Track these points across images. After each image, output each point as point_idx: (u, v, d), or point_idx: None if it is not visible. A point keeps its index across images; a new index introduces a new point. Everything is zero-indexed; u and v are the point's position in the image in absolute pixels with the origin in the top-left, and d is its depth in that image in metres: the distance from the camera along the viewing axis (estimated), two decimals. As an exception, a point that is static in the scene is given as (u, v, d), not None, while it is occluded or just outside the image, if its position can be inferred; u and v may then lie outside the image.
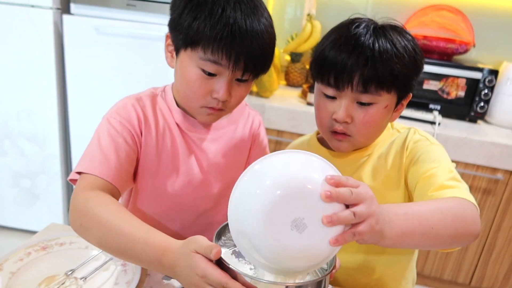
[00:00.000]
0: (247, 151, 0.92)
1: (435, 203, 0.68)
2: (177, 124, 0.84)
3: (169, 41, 0.78)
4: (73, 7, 1.77)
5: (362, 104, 0.79)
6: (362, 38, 0.76)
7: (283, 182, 0.50)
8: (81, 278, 0.77)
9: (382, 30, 0.78)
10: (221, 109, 0.78)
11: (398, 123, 0.95)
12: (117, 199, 0.73)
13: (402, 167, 0.85)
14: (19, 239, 2.02)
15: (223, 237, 0.65)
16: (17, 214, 2.06)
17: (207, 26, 0.69)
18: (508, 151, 1.73)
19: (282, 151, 0.57)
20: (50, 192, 2.01)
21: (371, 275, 0.95)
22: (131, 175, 0.80)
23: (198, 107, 0.78)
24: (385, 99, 0.79)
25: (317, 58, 0.82)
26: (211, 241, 0.58)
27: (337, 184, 0.51)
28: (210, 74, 0.73)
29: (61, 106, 1.91)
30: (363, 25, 0.78)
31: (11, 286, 0.74)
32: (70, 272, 0.78)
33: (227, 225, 0.64)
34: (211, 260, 0.53)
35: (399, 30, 0.80)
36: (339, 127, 0.81)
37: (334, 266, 0.60)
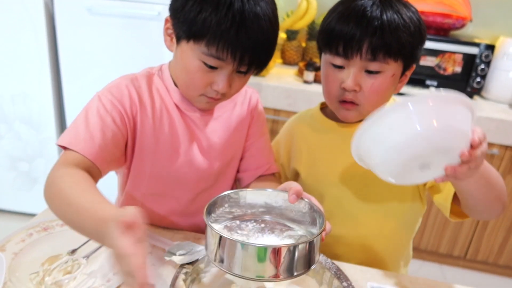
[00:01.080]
0: (246, 129, 0.92)
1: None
2: (175, 104, 0.83)
3: (169, 25, 0.76)
4: (63, -13, 1.74)
5: (370, 72, 0.81)
6: (369, 9, 0.78)
7: (431, 137, 0.56)
8: (83, 257, 0.78)
9: (388, 2, 0.80)
10: (220, 98, 0.78)
11: (399, 97, 0.96)
12: (97, 179, 0.72)
13: None
14: (18, 222, 2.03)
15: (213, 214, 0.66)
16: (16, 198, 2.07)
17: (213, 21, 0.67)
18: (503, 126, 1.74)
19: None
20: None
21: (369, 252, 0.97)
22: (115, 157, 0.79)
23: (197, 95, 0.78)
24: (392, 67, 0.81)
25: (325, 29, 0.83)
26: (203, 217, 0.59)
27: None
28: (212, 67, 0.72)
29: (55, 88, 1.89)
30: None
31: (14, 267, 0.75)
32: (73, 251, 0.79)
33: (216, 201, 0.66)
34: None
35: (403, 3, 0.82)
36: (348, 96, 0.83)
37: (324, 229, 0.61)
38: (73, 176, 0.66)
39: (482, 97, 2.03)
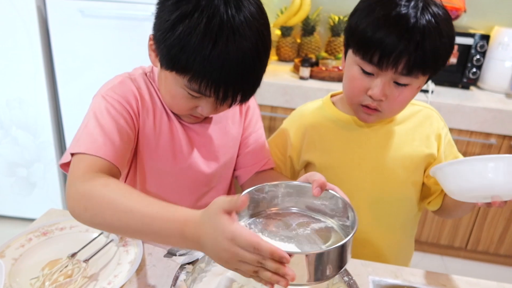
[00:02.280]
0: (242, 126, 0.91)
1: None
2: None
3: (152, 42, 0.72)
4: (55, -10, 1.73)
5: (398, 84, 0.79)
6: (412, 20, 0.74)
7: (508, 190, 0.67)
8: (83, 261, 0.78)
9: (427, 6, 0.76)
10: (207, 118, 0.80)
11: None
12: None
13: (432, 152, 0.92)
14: (18, 227, 2.03)
15: (241, 213, 0.65)
16: (15, 203, 2.06)
17: (196, 60, 0.63)
18: (500, 115, 1.74)
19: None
20: (47, 179, 2.01)
21: (368, 247, 0.98)
22: (129, 158, 0.78)
23: (183, 114, 0.79)
24: (420, 80, 0.81)
25: (360, 33, 0.78)
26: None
27: None
28: (197, 97, 0.71)
29: (51, 92, 1.89)
30: (412, 3, 0.75)
31: (14, 272, 0.75)
32: (73, 255, 0.79)
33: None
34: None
35: (438, 6, 0.78)
36: (372, 103, 0.82)
37: (357, 226, 0.59)
38: (114, 183, 0.63)
39: (478, 87, 2.03)
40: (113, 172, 0.69)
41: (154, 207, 0.57)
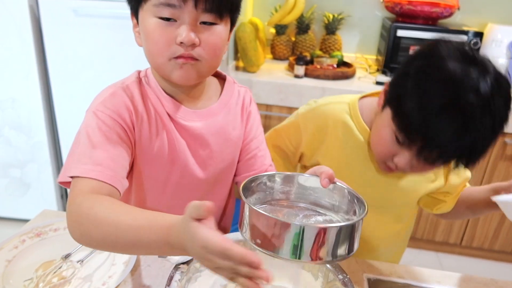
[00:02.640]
0: (243, 131, 0.89)
1: None
2: (168, 114, 0.78)
3: (133, 20, 0.75)
4: (48, -11, 1.72)
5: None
6: (479, 115, 0.66)
7: None
8: (78, 262, 0.77)
9: (500, 92, 0.69)
10: (193, 58, 0.70)
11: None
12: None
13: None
14: (12, 228, 2.02)
15: (249, 198, 0.64)
16: (9, 204, 2.05)
17: None
18: (494, 112, 1.75)
19: None
20: (41, 180, 2.00)
21: (367, 244, 0.98)
22: (127, 172, 0.75)
23: (167, 60, 0.70)
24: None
25: (406, 118, 0.71)
26: (240, 198, 0.57)
27: None
28: (168, 20, 0.67)
29: (44, 92, 1.87)
30: (482, 86, 0.67)
31: (7, 274, 0.74)
32: (67, 256, 0.79)
33: (247, 185, 0.64)
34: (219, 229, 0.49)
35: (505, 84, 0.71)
36: (395, 168, 0.81)
37: (367, 212, 0.59)
38: (101, 202, 0.62)
39: (472, 84, 2.03)
40: (110, 192, 0.67)
41: (140, 219, 0.56)
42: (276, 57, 2.21)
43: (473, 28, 1.94)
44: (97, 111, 0.72)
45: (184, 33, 0.67)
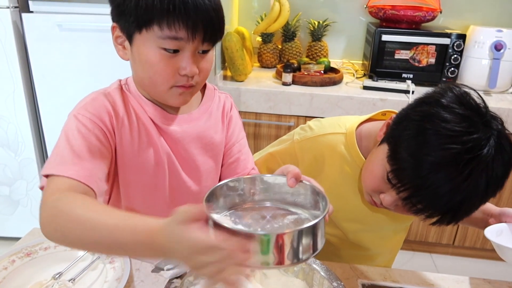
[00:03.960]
0: (224, 135, 0.91)
1: None
2: (151, 119, 0.80)
3: (117, 32, 0.74)
4: (31, 4, 1.70)
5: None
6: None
7: None
8: (69, 280, 0.76)
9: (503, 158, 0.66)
10: (191, 86, 0.75)
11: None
12: None
13: None
14: (2, 247, 1.98)
15: (213, 205, 0.64)
16: (-2, 223, 2.02)
17: (156, 0, 0.66)
18: (480, 112, 1.77)
19: None
20: (30, 197, 1.97)
21: (361, 250, 0.98)
22: (105, 175, 0.76)
23: (168, 88, 0.74)
24: None
25: (411, 178, 0.69)
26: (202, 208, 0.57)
27: None
28: (174, 51, 0.70)
29: (31, 108, 1.86)
30: (484, 148, 0.64)
31: (-2, 296, 0.73)
32: (58, 275, 0.77)
33: (213, 192, 0.63)
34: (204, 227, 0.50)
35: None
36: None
37: (328, 211, 0.59)
38: (78, 199, 0.62)
39: (457, 86, 2.06)
40: (85, 192, 0.67)
41: (117, 219, 0.56)
42: (264, 65, 2.22)
43: (456, 31, 1.97)
44: (78, 114, 0.74)
45: (188, 66, 0.70)
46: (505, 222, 0.82)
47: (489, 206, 0.88)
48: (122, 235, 0.55)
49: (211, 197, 0.63)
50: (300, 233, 0.53)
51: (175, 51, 0.70)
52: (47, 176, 0.68)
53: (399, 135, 0.72)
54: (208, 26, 0.70)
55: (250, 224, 0.62)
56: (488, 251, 2.07)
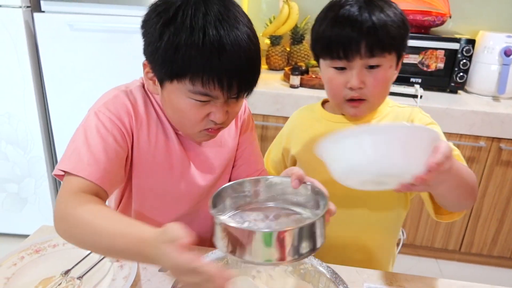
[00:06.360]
0: (237, 138, 0.91)
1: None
2: (168, 120, 0.81)
3: (148, 69, 0.74)
4: (43, 4, 1.73)
5: (371, 67, 0.86)
6: (358, 13, 0.83)
7: (377, 167, 0.58)
8: (77, 278, 0.77)
9: (372, 3, 0.84)
10: (220, 128, 0.76)
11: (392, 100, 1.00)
12: (104, 201, 0.71)
13: None
14: (10, 244, 2.00)
15: (219, 206, 0.66)
16: (6, 219, 2.04)
17: (192, 55, 0.64)
18: (488, 118, 1.77)
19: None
20: (38, 195, 1.99)
21: (361, 252, 0.98)
22: (120, 176, 0.77)
23: (197, 132, 0.75)
24: (388, 59, 0.87)
25: (321, 37, 0.88)
26: (209, 208, 0.60)
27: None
28: (204, 101, 0.70)
29: (41, 107, 1.88)
30: (354, 2, 0.84)
31: (7, 292, 0.74)
32: (66, 272, 0.78)
33: (219, 193, 0.66)
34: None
35: (384, 1, 0.86)
36: (355, 94, 0.87)
37: (328, 210, 0.61)
38: (86, 203, 0.65)
39: (465, 91, 2.06)
40: (98, 192, 0.69)
41: (118, 226, 0.60)
42: (272, 67, 2.22)
43: (465, 36, 1.96)
44: (98, 112, 0.74)
45: (218, 114, 0.71)
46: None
47: None
48: (118, 242, 0.59)
49: (217, 198, 0.65)
50: (300, 230, 0.56)
51: (206, 101, 0.70)
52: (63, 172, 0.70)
53: (312, 35, 0.92)
54: (243, 82, 0.69)
55: (255, 224, 0.64)
56: (495, 258, 2.05)
